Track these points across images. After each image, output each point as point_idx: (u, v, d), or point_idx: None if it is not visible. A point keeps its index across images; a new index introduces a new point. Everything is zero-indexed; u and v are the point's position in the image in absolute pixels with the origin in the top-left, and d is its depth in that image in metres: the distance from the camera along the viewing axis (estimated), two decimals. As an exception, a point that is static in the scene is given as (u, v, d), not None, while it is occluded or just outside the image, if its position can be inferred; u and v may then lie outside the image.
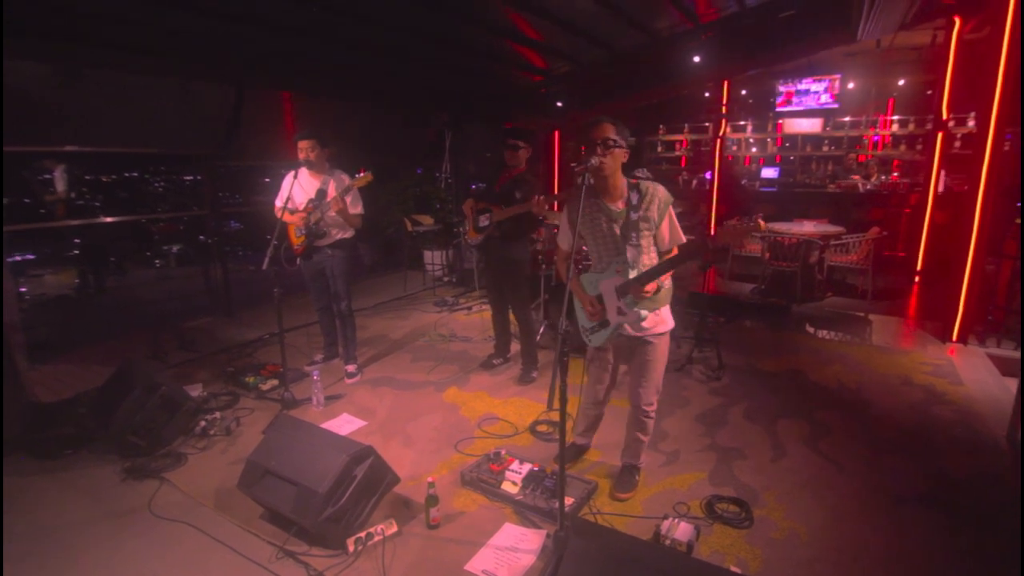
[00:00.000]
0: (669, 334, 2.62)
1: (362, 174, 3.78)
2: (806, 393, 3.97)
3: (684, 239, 2.46)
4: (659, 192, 2.41)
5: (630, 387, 2.71)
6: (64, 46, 4.36)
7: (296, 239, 4.01)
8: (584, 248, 2.74)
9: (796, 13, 5.80)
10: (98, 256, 7.30)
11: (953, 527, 2.55)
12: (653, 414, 2.73)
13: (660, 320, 2.55)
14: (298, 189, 3.92)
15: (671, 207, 2.43)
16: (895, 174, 8.07)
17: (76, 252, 7.48)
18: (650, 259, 2.47)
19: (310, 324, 5.16)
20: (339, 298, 4.13)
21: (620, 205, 2.44)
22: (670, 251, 2.49)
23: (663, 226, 2.43)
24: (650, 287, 2.37)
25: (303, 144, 3.83)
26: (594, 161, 2.29)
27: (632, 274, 2.41)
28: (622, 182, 2.45)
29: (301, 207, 3.95)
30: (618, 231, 2.43)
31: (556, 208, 4.60)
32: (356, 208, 3.97)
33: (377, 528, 2.46)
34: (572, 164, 3.38)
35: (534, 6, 5.03)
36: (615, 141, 2.34)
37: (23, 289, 6.59)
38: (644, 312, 2.46)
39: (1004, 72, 4.35)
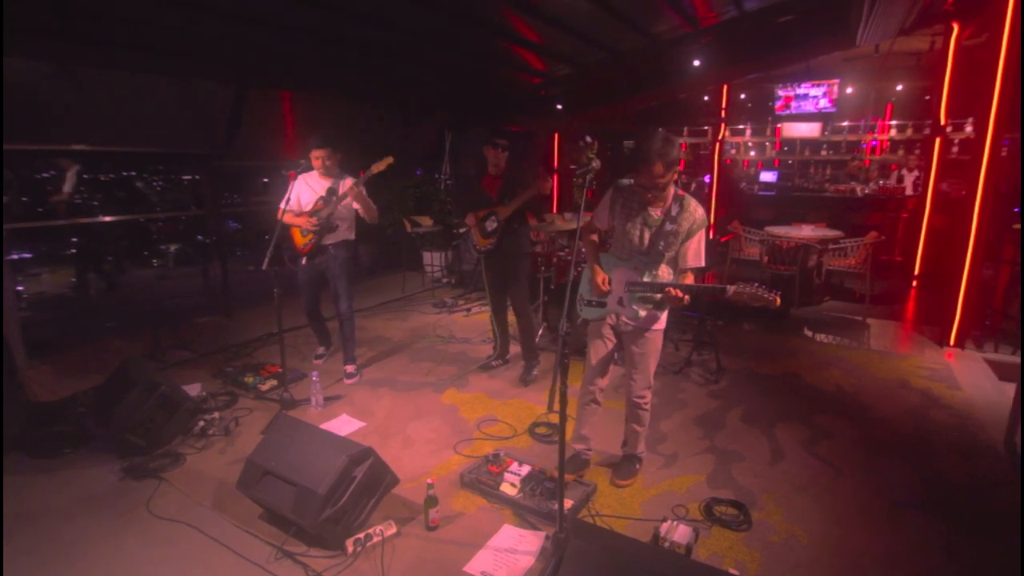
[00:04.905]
0: (663, 333, 2.75)
1: (383, 160, 3.75)
2: (804, 397, 3.98)
3: (703, 263, 2.58)
4: (697, 213, 2.52)
5: (624, 379, 2.89)
6: (65, 44, 4.36)
7: (302, 239, 4.00)
8: (605, 231, 2.86)
9: (795, 18, 5.83)
10: (96, 255, 7.28)
11: (951, 532, 2.56)
12: (646, 406, 2.86)
13: (655, 317, 2.67)
14: (308, 190, 3.94)
15: (703, 231, 2.55)
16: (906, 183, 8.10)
17: (74, 251, 7.44)
18: (667, 269, 2.62)
19: (309, 326, 5.14)
20: (340, 298, 4.12)
21: (658, 214, 2.55)
22: (685, 271, 2.60)
23: (689, 243, 2.54)
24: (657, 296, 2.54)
25: (318, 153, 3.83)
26: (596, 163, 2.47)
27: (647, 277, 2.57)
28: (668, 193, 2.53)
29: (309, 207, 3.95)
30: (648, 236, 2.56)
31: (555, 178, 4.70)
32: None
33: (376, 529, 2.46)
34: (572, 167, 3.38)
35: (534, 9, 5.04)
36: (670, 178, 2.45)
37: (20, 288, 6.57)
38: (640, 310, 2.63)
39: (1002, 78, 4.38)
